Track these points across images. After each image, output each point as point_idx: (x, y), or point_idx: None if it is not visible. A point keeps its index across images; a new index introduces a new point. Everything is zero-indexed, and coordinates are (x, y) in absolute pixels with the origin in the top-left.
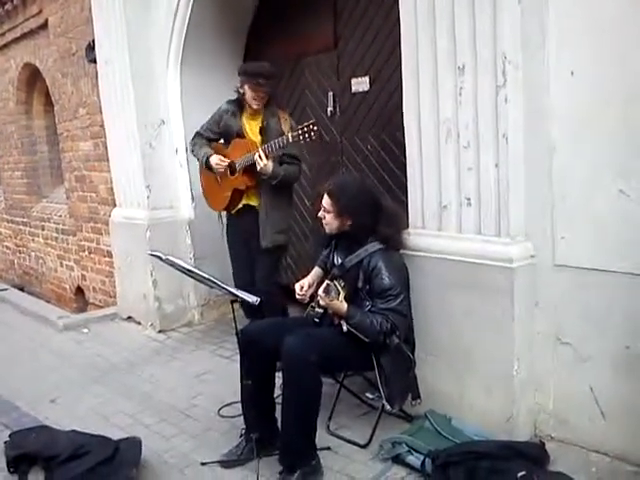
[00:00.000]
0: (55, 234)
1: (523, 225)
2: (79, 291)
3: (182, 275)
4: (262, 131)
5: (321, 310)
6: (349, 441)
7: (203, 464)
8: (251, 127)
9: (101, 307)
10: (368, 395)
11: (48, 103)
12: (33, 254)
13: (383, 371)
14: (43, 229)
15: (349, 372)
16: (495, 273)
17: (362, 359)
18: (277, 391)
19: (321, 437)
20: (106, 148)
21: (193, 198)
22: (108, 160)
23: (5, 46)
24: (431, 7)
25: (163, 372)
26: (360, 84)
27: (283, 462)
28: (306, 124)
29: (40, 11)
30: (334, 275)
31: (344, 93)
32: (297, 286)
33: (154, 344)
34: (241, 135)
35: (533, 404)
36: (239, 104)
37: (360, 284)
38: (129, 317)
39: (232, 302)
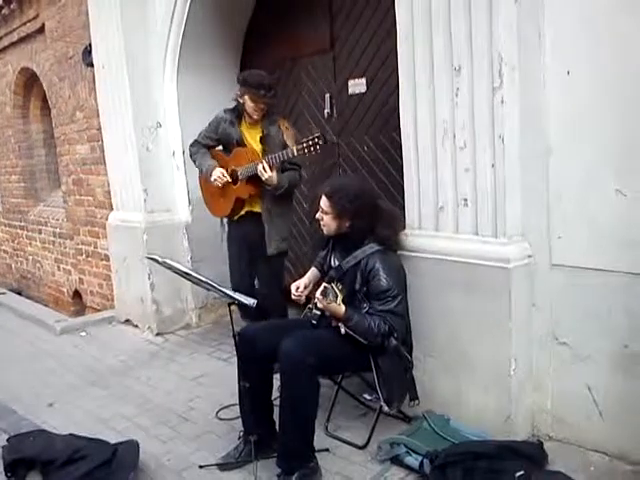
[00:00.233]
0: (52, 238)
1: (520, 225)
2: (76, 295)
3: (179, 278)
4: (262, 140)
5: (319, 312)
6: (347, 442)
7: (201, 467)
8: (251, 136)
9: (99, 310)
10: (366, 396)
11: (45, 107)
12: (30, 258)
13: (381, 372)
14: (40, 233)
15: (347, 373)
16: (492, 273)
17: (360, 360)
18: (275, 393)
19: (319, 439)
20: (103, 151)
21: (190, 201)
22: (105, 163)
23: (2, 50)
24: (427, 8)
25: (161, 375)
26: (357, 86)
27: (281, 464)
28: (311, 137)
29: (37, 15)
30: (332, 277)
31: (341, 95)
32: (293, 286)
33: (152, 347)
34: (241, 144)
35: (531, 404)
36: (237, 113)
37: (357, 286)
38: (127, 320)
39: (229, 305)
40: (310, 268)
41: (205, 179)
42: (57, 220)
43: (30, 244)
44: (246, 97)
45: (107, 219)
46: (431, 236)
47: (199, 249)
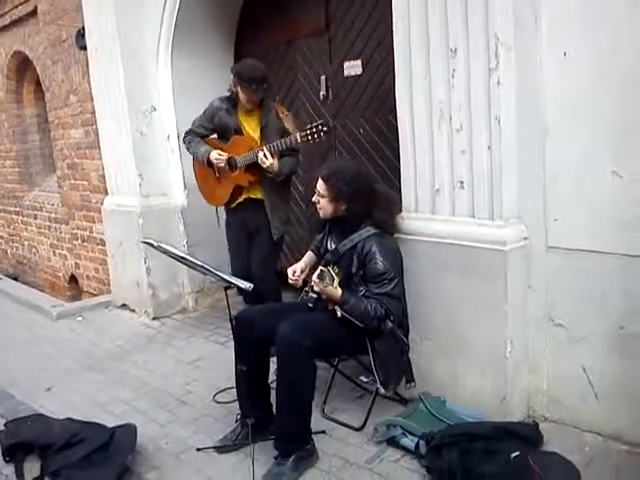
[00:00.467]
0: (48, 223)
1: (516, 207)
2: (73, 279)
3: (176, 262)
4: (262, 129)
5: (315, 295)
6: (344, 424)
7: (199, 450)
8: (249, 124)
9: (95, 295)
10: (362, 379)
11: (39, 91)
12: (26, 243)
13: (377, 355)
14: (36, 218)
15: (343, 356)
16: (488, 256)
17: (356, 343)
18: (272, 376)
19: (316, 421)
20: (97, 135)
21: (186, 185)
22: (100, 147)
23: None
24: None
25: (158, 359)
26: (352, 68)
27: (278, 447)
28: (315, 124)
29: None
30: (328, 261)
31: (336, 77)
32: (290, 270)
33: (148, 331)
34: (239, 132)
35: (526, 385)
36: (233, 102)
37: (354, 269)
38: (123, 305)
39: (226, 289)
40: (307, 252)
41: (201, 168)
42: (52, 205)
43: (26, 229)
44: (239, 88)
45: (102, 204)
46: (427, 219)
47: (195, 233)
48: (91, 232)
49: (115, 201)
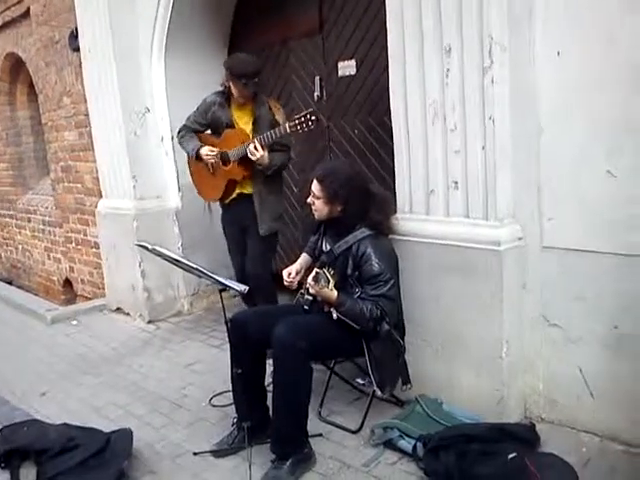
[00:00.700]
0: (42, 226)
1: (511, 207)
2: (67, 283)
3: (171, 265)
4: (254, 122)
5: (310, 298)
6: (341, 427)
7: (195, 454)
8: (241, 117)
9: (90, 299)
10: (359, 381)
11: (32, 93)
12: (20, 247)
13: (373, 357)
14: (29, 221)
15: (339, 358)
16: (483, 256)
17: (352, 345)
18: (268, 379)
19: (313, 424)
20: (91, 137)
21: (180, 187)
22: (93, 149)
23: None
24: None
25: (153, 363)
26: (347, 68)
27: (275, 450)
28: (303, 113)
29: None
30: (323, 262)
31: (331, 77)
32: (285, 273)
33: (144, 335)
34: (231, 126)
35: (523, 386)
36: (226, 95)
37: (349, 271)
38: (118, 308)
39: (221, 291)
40: (302, 253)
41: (194, 163)
42: (46, 208)
43: (19, 233)
44: (231, 83)
45: (96, 206)
46: (422, 220)
47: (189, 235)
48: (85, 235)
49: (109, 204)
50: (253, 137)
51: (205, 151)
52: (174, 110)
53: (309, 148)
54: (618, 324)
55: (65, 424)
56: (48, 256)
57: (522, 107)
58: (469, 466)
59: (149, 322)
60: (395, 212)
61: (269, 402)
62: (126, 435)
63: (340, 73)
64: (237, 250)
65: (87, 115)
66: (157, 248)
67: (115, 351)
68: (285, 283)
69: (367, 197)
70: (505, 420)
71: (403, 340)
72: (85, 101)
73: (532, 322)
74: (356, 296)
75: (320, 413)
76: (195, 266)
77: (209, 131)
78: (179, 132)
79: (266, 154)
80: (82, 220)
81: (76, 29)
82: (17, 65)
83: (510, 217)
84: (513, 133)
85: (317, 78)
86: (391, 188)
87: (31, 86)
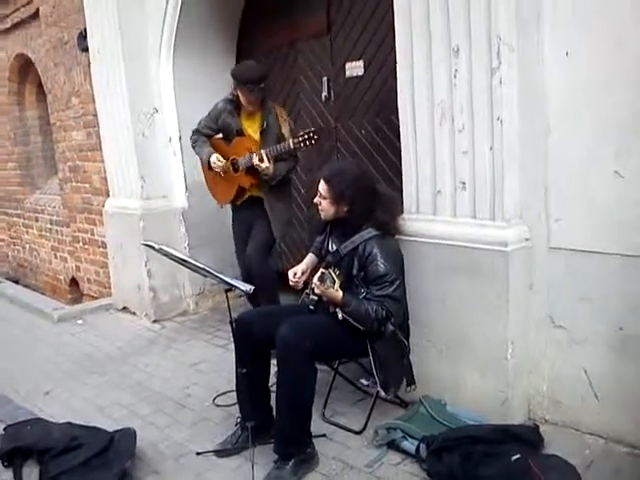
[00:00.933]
0: (49, 225)
1: (518, 208)
2: (74, 282)
3: (177, 265)
4: (262, 131)
5: (316, 298)
6: (344, 428)
7: (199, 454)
8: (250, 125)
9: (96, 298)
10: (363, 381)
11: (41, 93)
12: (27, 246)
13: (378, 357)
14: (37, 220)
15: (344, 359)
16: (490, 257)
17: (357, 346)
18: (272, 379)
19: (316, 424)
20: (99, 138)
21: (187, 187)
22: (101, 150)
23: None
24: None
25: (158, 362)
26: (354, 68)
27: (278, 450)
28: (307, 131)
29: (31, 0)
30: (329, 263)
31: (338, 78)
32: (290, 273)
33: (149, 334)
34: (241, 133)
35: (527, 387)
36: (236, 103)
37: (355, 271)
38: (124, 307)
39: (226, 291)
40: (307, 254)
41: (207, 169)
42: (54, 207)
43: (27, 232)
44: (238, 91)
45: (104, 206)
46: (429, 220)
47: (196, 235)
48: (92, 235)
49: (116, 203)
50: (260, 146)
51: (214, 159)
52: (182, 111)
53: (316, 149)
54: (624, 325)
55: (69, 423)
56: (55, 255)
57: (530, 108)
58: (472, 467)
59: (155, 321)
60: (402, 212)
61: (273, 402)
62: (129, 435)
63: (348, 74)
64: (244, 249)
65: (95, 115)
66: (164, 248)
67: (121, 350)
68: (291, 283)
69: (374, 197)
70: (509, 421)
71: (408, 341)
72: (93, 101)
73: (538, 323)
74: (361, 296)
75: (324, 414)
76: (201, 266)
77: (220, 135)
78: (192, 136)
79: (271, 166)
80: (89, 220)
81: (85, 30)
82: (26, 65)
83: (517, 218)
84: (521, 134)
85: (325, 79)
86: (398, 188)
87: (40, 86)
